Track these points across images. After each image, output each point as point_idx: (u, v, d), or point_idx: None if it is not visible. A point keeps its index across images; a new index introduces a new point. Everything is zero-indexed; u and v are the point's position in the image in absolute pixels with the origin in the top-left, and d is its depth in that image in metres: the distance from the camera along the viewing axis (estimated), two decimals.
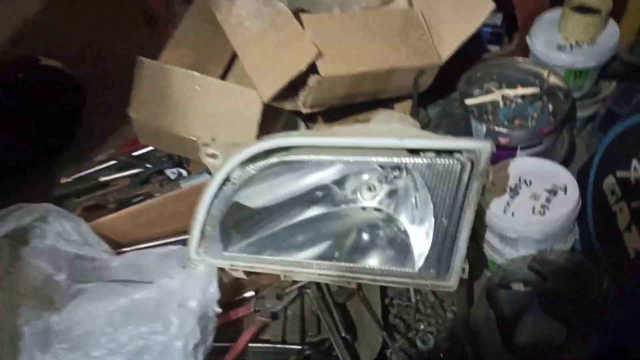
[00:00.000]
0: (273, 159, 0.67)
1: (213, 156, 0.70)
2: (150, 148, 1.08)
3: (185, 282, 0.69)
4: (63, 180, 1.12)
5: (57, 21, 1.56)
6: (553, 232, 0.70)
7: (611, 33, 0.85)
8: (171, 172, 1.06)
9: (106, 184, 1.10)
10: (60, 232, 0.83)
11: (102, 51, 1.45)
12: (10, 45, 1.50)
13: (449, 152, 0.65)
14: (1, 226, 0.76)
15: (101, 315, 0.68)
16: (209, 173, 1.00)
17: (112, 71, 1.35)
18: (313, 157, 0.67)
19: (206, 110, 0.86)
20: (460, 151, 0.64)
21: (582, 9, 0.84)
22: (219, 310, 0.69)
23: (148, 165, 1.07)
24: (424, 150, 0.65)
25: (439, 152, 0.65)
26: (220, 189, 0.70)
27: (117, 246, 0.87)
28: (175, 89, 0.85)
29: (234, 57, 0.91)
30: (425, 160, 0.65)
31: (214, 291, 0.69)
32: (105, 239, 0.86)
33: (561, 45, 0.86)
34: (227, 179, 0.69)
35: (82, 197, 1.09)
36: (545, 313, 0.64)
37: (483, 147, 0.63)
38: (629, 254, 0.67)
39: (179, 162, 1.06)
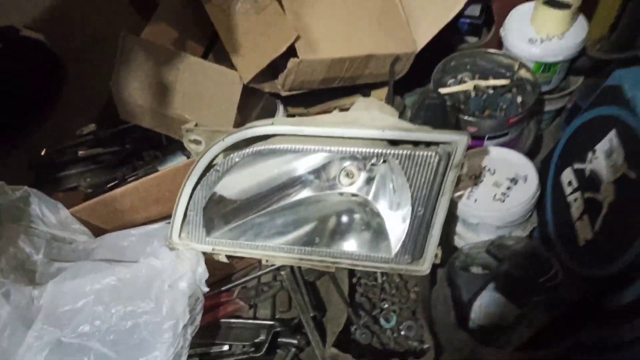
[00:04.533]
0: (256, 147, 0.70)
1: (196, 142, 0.72)
2: (129, 125, 1.09)
3: (174, 262, 0.72)
4: (43, 152, 1.13)
5: None
6: (511, 219, 0.76)
7: (580, 28, 0.89)
8: (147, 154, 1.07)
9: (85, 159, 1.11)
10: (39, 214, 0.84)
11: (81, 24, 1.42)
12: None
13: (427, 144, 0.68)
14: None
15: (88, 293, 0.70)
16: (185, 155, 1.02)
17: (91, 44, 1.34)
18: (296, 146, 0.70)
19: (186, 88, 0.86)
20: (437, 143, 0.68)
21: (554, 3, 0.87)
22: (206, 289, 0.73)
23: (127, 146, 1.08)
24: (405, 142, 0.68)
25: (417, 143, 0.68)
26: (203, 175, 0.72)
27: (99, 232, 0.88)
28: (156, 66, 0.86)
29: (215, 36, 0.92)
30: (404, 152, 0.68)
31: (202, 271, 0.73)
32: (87, 224, 0.86)
33: (532, 39, 0.90)
34: (210, 166, 0.72)
35: (63, 172, 1.11)
36: (500, 294, 0.70)
37: (460, 139, 0.66)
38: (579, 242, 0.73)
39: (158, 144, 1.07)
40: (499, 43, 0.95)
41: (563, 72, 0.93)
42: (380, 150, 0.68)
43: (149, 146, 1.09)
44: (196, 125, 0.72)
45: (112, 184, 1.03)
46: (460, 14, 1.03)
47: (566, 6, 0.86)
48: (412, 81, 0.99)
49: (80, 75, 1.26)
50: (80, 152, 1.11)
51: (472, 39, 1.11)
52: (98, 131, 1.14)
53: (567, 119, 0.96)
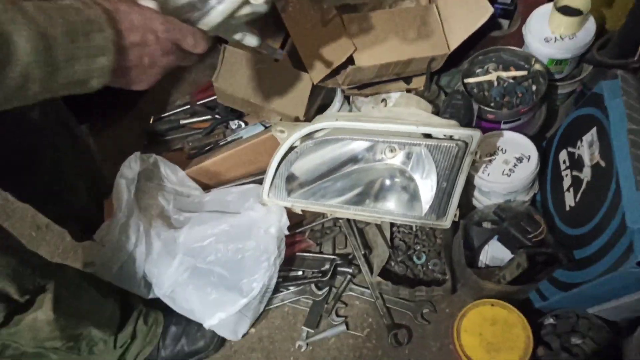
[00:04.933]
0: (324, 137, 0.97)
1: (281, 132, 1.00)
2: (214, 97, 1.36)
3: (266, 214, 1.03)
4: (152, 120, 1.44)
5: None
6: (514, 190, 1.00)
7: (589, 30, 1.06)
8: (233, 123, 1.35)
9: (185, 125, 1.42)
10: (165, 175, 1.16)
11: None
12: None
13: (450, 136, 0.93)
14: (131, 169, 1.09)
15: (210, 235, 1.03)
16: (263, 125, 1.29)
17: None
18: (353, 136, 0.96)
19: (271, 84, 1.12)
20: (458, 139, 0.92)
21: (566, 10, 1.05)
22: (287, 232, 1.04)
23: (217, 116, 1.37)
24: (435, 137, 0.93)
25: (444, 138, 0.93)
26: (286, 154, 1.00)
27: (205, 187, 1.19)
28: (246, 68, 1.12)
29: (287, 37, 1.16)
30: (432, 143, 0.93)
31: (285, 220, 1.03)
32: (196, 182, 1.18)
33: (548, 38, 1.08)
34: (291, 148, 1.00)
35: (167, 136, 1.43)
36: (500, 243, 0.97)
37: (474, 134, 0.91)
38: (566, 208, 0.98)
39: (240, 115, 1.35)
40: (520, 37, 1.14)
41: (574, 64, 1.12)
42: (415, 141, 0.94)
43: (234, 116, 1.38)
44: (281, 119, 1.00)
45: (209, 147, 1.33)
46: (495, 1, 1.22)
47: (577, 12, 1.04)
48: (449, 62, 1.20)
49: None
50: (182, 121, 1.42)
51: (504, 22, 1.29)
52: (192, 102, 1.44)
53: (575, 100, 1.16)
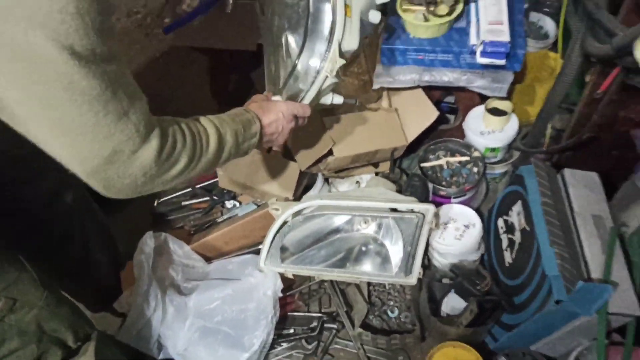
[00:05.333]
0: (311, 212, 1.21)
1: (276, 209, 1.24)
2: (213, 179, 1.60)
3: (263, 279, 1.24)
4: (156, 203, 1.66)
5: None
6: (465, 251, 1.25)
7: (513, 125, 1.37)
8: (229, 203, 1.58)
9: (185, 206, 1.64)
10: (173, 250, 1.37)
11: (170, 99, 1.96)
12: None
13: (411, 210, 1.18)
14: (148, 245, 1.29)
15: (217, 299, 1.22)
16: (255, 204, 1.52)
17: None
18: (334, 212, 1.21)
19: (266, 172, 1.37)
20: (417, 211, 1.18)
21: (494, 111, 1.36)
22: (281, 294, 1.24)
23: (215, 197, 1.60)
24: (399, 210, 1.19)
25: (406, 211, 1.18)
26: (280, 228, 1.23)
27: (207, 259, 1.40)
28: (246, 158, 1.37)
29: None
30: (398, 215, 1.18)
31: (279, 284, 1.23)
32: (199, 254, 1.39)
33: (482, 132, 1.39)
34: (284, 223, 1.23)
35: (170, 216, 1.63)
36: (457, 295, 1.20)
37: (429, 208, 1.17)
38: (506, 264, 1.23)
39: (234, 196, 1.58)
40: (462, 130, 1.45)
41: (505, 150, 1.42)
42: (384, 214, 1.19)
43: (229, 197, 1.61)
44: (276, 199, 1.24)
45: (208, 225, 1.55)
46: (441, 101, 1.55)
47: (503, 113, 1.35)
48: (409, 149, 1.48)
49: None
50: (183, 202, 1.64)
51: (451, 116, 1.61)
52: (191, 186, 1.67)
53: (509, 178, 1.45)
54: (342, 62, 1.01)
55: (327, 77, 1.03)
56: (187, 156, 0.75)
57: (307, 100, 1.07)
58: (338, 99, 1.12)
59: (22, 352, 0.86)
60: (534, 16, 1.51)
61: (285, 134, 1.02)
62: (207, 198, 1.62)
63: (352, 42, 1.03)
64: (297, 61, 1.03)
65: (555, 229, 1.06)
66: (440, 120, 1.58)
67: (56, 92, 0.58)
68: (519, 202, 1.18)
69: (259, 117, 0.95)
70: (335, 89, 1.11)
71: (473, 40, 1.16)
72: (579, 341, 1.10)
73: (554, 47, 1.41)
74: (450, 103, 1.59)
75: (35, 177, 1.02)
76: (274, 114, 0.98)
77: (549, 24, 1.47)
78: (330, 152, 1.29)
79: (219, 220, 1.54)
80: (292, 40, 1.05)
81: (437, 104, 1.54)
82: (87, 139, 0.62)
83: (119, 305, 1.22)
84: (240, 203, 1.56)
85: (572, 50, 0.98)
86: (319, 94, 1.07)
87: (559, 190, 1.15)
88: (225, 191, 1.61)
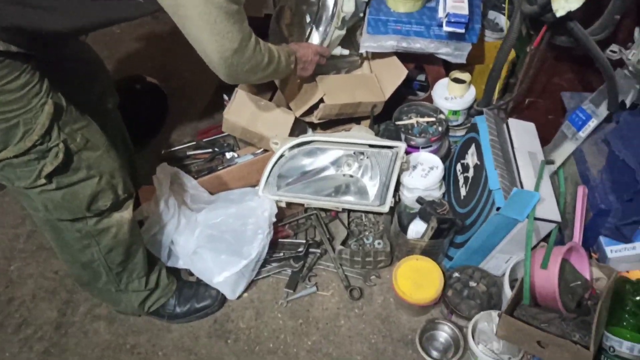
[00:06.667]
0: (304, 147, 1.46)
1: (275, 144, 1.49)
2: (215, 136, 1.85)
3: (261, 203, 1.47)
4: (163, 152, 1.88)
5: (144, 49, 2.31)
6: (430, 186, 1.52)
7: (471, 93, 1.68)
8: (228, 154, 1.82)
9: (190, 156, 1.87)
10: (183, 181, 1.60)
11: (178, 71, 2.20)
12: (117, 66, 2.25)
13: (388, 147, 1.45)
14: (164, 169, 1.51)
15: (221, 215, 1.44)
16: (253, 154, 1.76)
17: (186, 85, 2.12)
18: (323, 146, 1.47)
19: (266, 118, 1.62)
20: (392, 147, 1.45)
21: (457, 80, 1.66)
22: (275, 219, 1.48)
23: (216, 149, 1.83)
24: (376, 146, 1.45)
25: (382, 147, 1.45)
26: (278, 160, 1.48)
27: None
28: (249, 106, 1.63)
29: (275, 91, 1.70)
30: (376, 150, 1.45)
31: (274, 208, 1.46)
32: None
33: (447, 97, 1.68)
34: (281, 155, 1.48)
35: (177, 164, 1.85)
36: (421, 220, 1.47)
37: (402, 145, 1.44)
38: (461, 196, 1.50)
39: (233, 148, 1.83)
40: (430, 98, 1.74)
41: (465, 115, 1.72)
42: (365, 149, 1.45)
43: (228, 149, 1.85)
44: (276, 135, 1.49)
45: (209, 172, 1.77)
46: (414, 79, 1.85)
47: (463, 82, 1.65)
48: (384, 116, 1.76)
49: (179, 104, 2.04)
50: (188, 152, 1.87)
51: (421, 94, 1.91)
52: (195, 140, 1.91)
53: (466, 131, 1.74)
54: (344, 14, 1.47)
55: (335, 29, 1.47)
56: (268, 55, 1.20)
57: (325, 44, 1.54)
58: (345, 51, 1.61)
59: (87, 183, 1.08)
60: (492, 14, 1.85)
61: (313, 63, 1.46)
62: (209, 150, 1.86)
63: (349, 6, 1.39)
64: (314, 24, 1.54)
65: (500, 158, 1.35)
66: (413, 94, 1.88)
67: (213, 9, 0.97)
68: (473, 145, 1.47)
69: (295, 51, 1.40)
70: (342, 44, 1.58)
71: (441, 13, 1.46)
72: (518, 255, 1.37)
73: None
74: (422, 81, 1.89)
75: (92, 74, 1.33)
76: (305, 49, 1.44)
77: (502, 21, 1.80)
78: (321, 102, 1.56)
79: (220, 168, 1.77)
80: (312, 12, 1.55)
81: (410, 81, 1.85)
82: (226, 37, 1.03)
83: (139, 213, 1.42)
84: (238, 155, 1.81)
85: (515, 15, 1.28)
86: (331, 43, 1.53)
87: (503, 133, 1.44)
88: (225, 144, 1.85)
